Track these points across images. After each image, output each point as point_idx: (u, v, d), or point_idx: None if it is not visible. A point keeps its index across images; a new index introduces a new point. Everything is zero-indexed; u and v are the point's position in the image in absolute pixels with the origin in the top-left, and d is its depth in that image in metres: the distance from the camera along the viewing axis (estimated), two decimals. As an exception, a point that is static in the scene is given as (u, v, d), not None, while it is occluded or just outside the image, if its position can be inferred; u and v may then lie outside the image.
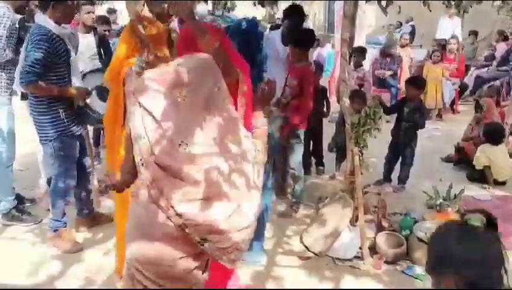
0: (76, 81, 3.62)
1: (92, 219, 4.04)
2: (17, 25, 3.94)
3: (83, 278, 3.32)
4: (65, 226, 3.75)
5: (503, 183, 5.15)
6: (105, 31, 5.52)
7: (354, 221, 3.69)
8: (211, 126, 1.82)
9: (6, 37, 3.78)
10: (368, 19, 9.95)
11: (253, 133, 2.08)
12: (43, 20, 3.34)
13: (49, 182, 4.50)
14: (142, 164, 1.83)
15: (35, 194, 4.62)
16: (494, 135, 5.24)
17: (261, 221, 3.51)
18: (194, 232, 1.81)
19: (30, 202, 4.48)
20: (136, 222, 1.93)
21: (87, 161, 3.94)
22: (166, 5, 3.04)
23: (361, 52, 6.32)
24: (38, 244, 3.78)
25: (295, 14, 4.46)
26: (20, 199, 4.32)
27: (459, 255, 1.36)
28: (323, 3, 16.96)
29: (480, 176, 5.16)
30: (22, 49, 3.43)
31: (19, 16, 4.00)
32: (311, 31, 4.64)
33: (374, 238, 3.69)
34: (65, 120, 3.48)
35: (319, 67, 6.05)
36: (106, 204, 4.33)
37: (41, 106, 3.43)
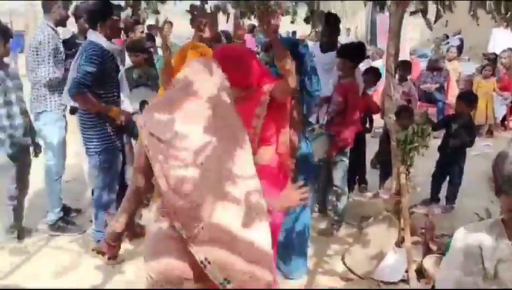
0: (124, 97, 3.70)
1: (134, 230, 4.07)
2: (59, 43, 4.08)
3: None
4: (107, 237, 3.80)
5: None
6: (150, 47, 5.65)
7: (399, 243, 3.55)
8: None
9: (52, 56, 3.92)
10: (411, 32, 9.75)
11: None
12: (95, 36, 3.46)
13: (92, 193, 4.62)
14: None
15: (82, 205, 4.72)
16: None
17: (303, 238, 3.45)
18: (215, 273, 1.73)
19: (76, 212, 4.59)
20: (155, 243, 1.89)
21: (128, 174, 4.00)
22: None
23: (406, 66, 6.15)
24: (82, 254, 3.85)
25: (329, 20, 4.36)
26: (66, 209, 4.42)
27: None
28: (364, 16, 16.79)
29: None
30: (72, 64, 3.53)
31: (61, 34, 4.15)
32: (362, 45, 4.54)
33: (421, 261, 3.54)
34: (111, 134, 3.56)
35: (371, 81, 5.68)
36: (147, 216, 4.36)
37: (90, 120, 3.53)
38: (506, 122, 7.93)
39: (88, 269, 3.62)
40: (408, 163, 3.44)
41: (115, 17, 3.50)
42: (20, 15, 17.00)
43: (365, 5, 4.07)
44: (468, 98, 4.92)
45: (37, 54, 3.90)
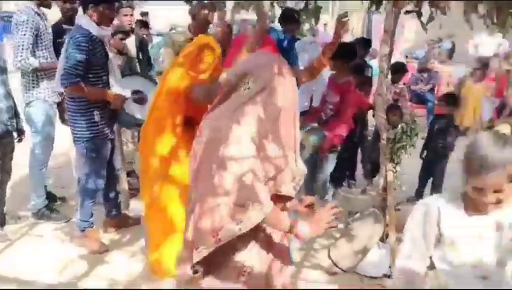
0: (114, 83, 3.65)
1: (120, 220, 4.06)
2: (48, 30, 4.01)
3: (108, 279, 3.32)
4: (92, 227, 3.77)
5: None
6: (143, 34, 5.58)
7: (384, 238, 3.57)
8: None
9: (34, 41, 3.84)
10: (406, 33, 9.75)
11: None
12: (84, 21, 3.38)
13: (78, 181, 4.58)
14: None
15: (67, 193, 4.68)
16: None
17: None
18: None
19: (61, 200, 4.55)
20: None
21: (118, 163, 3.97)
22: None
23: (400, 67, 6.15)
24: (66, 243, 3.81)
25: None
26: (51, 197, 4.39)
27: (500, 157, 1.58)
28: (362, 17, 16.83)
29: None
30: (62, 52, 3.48)
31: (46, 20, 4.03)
32: (352, 44, 4.55)
33: (405, 257, 3.56)
34: (99, 123, 3.51)
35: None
36: (135, 206, 4.35)
37: (77, 108, 3.46)
38: (493, 126, 8.00)
39: (71, 258, 3.58)
40: (396, 161, 3.46)
41: (109, 2, 3.43)
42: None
43: (367, 6, 4.06)
44: (449, 99, 4.94)
45: (16, 37, 3.80)
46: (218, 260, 1.87)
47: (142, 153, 3.24)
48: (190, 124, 3.17)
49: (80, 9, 3.75)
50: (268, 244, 1.97)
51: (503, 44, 9.54)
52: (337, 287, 3.36)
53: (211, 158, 1.80)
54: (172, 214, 3.12)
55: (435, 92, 7.80)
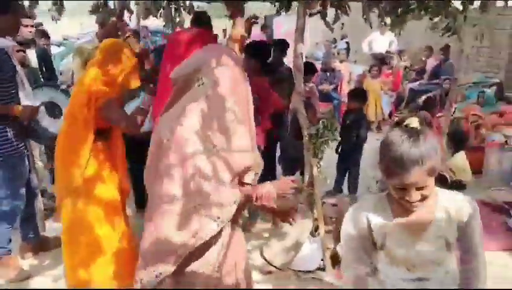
0: (24, 98, 3.39)
1: (39, 243, 3.78)
2: None
3: (35, 307, 3.09)
4: (10, 253, 3.48)
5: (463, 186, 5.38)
6: (44, 45, 5.27)
7: (314, 232, 3.72)
8: None
9: None
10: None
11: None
12: None
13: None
14: None
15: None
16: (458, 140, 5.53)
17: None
18: None
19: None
20: None
21: (35, 181, 3.70)
22: None
23: (310, 68, 6.42)
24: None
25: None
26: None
27: (416, 153, 1.52)
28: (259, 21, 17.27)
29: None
30: None
31: None
32: (266, 44, 4.65)
33: (334, 248, 3.73)
34: (13, 140, 3.25)
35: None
36: (52, 227, 4.08)
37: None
38: (392, 117, 8.65)
39: (-11, 289, 3.29)
40: (319, 156, 3.62)
41: (13, 13, 3.18)
42: None
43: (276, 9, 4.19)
44: (357, 93, 5.26)
45: None
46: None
47: (58, 170, 3.03)
48: (107, 136, 3.05)
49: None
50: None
51: (394, 42, 10.32)
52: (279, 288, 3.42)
53: (159, 164, 1.77)
54: (99, 235, 2.98)
55: (338, 90, 8.23)
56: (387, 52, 9.22)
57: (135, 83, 3.04)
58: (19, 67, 3.42)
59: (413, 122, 1.59)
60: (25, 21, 4.51)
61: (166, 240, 1.75)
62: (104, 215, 2.99)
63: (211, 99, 1.80)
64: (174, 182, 1.75)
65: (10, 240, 3.46)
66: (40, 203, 3.98)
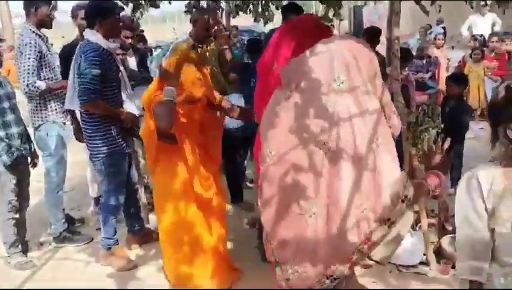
0: (124, 97, 3.60)
1: (143, 235, 3.99)
2: (50, 50, 3.94)
3: (142, 295, 3.26)
4: (117, 244, 3.71)
5: None
6: (144, 47, 5.54)
7: (415, 226, 3.53)
8: None
9: (37, 63, 3.73)
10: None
11: None
12: (93, 36, 3.33)
13: (96, 201, 4.52)
14: None
15: (84, 214, 4.62)
16: None
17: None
18: None
19: (80, 222, 4.48)
20: None
21: (135, 177, 3.91)
22: None
23: (405, 53, 6.10)
24: (92, 263, 3.75)
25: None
26: (69, 220, 4.31)
27: None
28: (347, 11, 16.86)
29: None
30: (72, 67, 3.42)
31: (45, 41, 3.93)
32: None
33: (438, 242, 3.52)
34: (116, 137, 3.46)
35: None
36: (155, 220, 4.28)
37: (94, 122, 3.40)
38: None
39: (100, 278, 3.51)
40: (419, 146, 3.42)
41: (115, 16, 3.39)
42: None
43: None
44: (457, 78, 4.88)
45: (20, 62, 3.71)
46: None
47: (153, 170, 3.22)
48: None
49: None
50: None
51: (497, 22, 9.54)
52: (373, 279, 3.29)
53: None
54: (200, 234, 3.15)
55: (436, 78, 7.76)
56: (493, 33, 8.52)
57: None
58: (121, 68, 3.62)
59: None
60: (126, 33, 4.75)
61: None
62: (202, 216, 3.15)
63: None
64: None
65: (116, 232, 3.68)
66: (143, 197, 4.21)
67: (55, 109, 3.94)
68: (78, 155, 4.85)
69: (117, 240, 3.71)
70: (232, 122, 3.93)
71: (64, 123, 4.01)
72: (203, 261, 3.19)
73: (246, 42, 7.18)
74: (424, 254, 3.40)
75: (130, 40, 4.89)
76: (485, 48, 7.88)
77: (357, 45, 1.93)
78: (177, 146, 3.04)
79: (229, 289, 3.20)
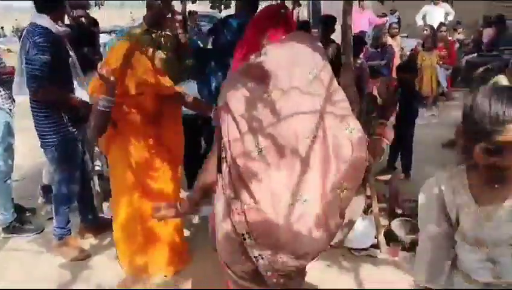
0: (76, 84, 3.50)
1: (97, 224, 3.92)
2: None
3: (95, 285, 3.22)
4: (70, 234, 3.64)
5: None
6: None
7: (366, 210, 3.64)
8: None
9: None
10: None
11: None
12: (41, 20, 3.20)
13: (45, 189, 4.39)
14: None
15: (36, 204, 4.49)
16: None
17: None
18: (253, 246, 1.79)
19: (30, 211, 4.35)
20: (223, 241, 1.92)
21: (89, 165, 3.83)
22: None
23: (358, 40, 6.20)
24: (44, 254, 3.66)
25: None
26: (19, 209, 4.18)
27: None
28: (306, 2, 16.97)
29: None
30: (19, 52, 3.28)
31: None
32: None
33: (388, 226, 3.64)
34: (68, 124, 3.36)
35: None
36: (108, 209, 4.23)
37: (44, 110, 3.29)
38: (447, 92, 8.28)
39: (53, 268, 3.44)
40: (370, 132, 3.51)
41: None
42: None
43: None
44: (406, 67, 5.01)
45: None
46: None
47: (110, 159, 3.18)
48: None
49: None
50: None
51: (451, 13, 9.83)
52: (327, 263, 3.38)
53: None
54: (154, 225, 3.11)
55: (390, 66, 7.93)
56: (442, 23, 8.78)
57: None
58: (72, 53, 3.51)
59: (502, 80, 1.48)
60: (79, 12, 4.60)
61: None
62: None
63: None
64: None
65: (69, 221, 3.61)
66: (97, 186, 4.13)
67: (1, 96, 3.79)
68: (29, 143, 4.70)
69: (70, 230, 3.63)
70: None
71: (11, 110, 3.86)
72: (157, 251, 3.19)
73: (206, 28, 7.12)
74: (375, 237, 3.51)
75: (83, 19, 4.75)
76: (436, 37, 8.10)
77: (298, 45, 1.93)
78: (127, 139, 2.99)
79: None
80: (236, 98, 1.85)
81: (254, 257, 1.80)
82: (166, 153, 3.16)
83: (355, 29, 9.22)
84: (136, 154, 3.01)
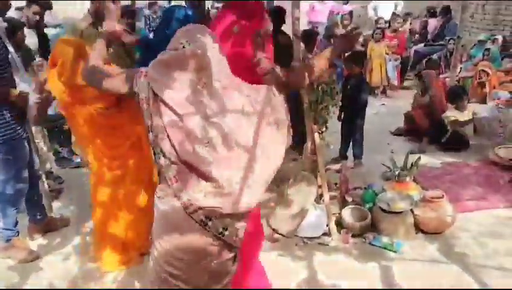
0: (20, 80, 3.36)
1: (46, 224, 3.81)
2: None
3: (47, 285, 3.15)
4: (18, 235, 3.52)
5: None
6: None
7: (318, 199, 3.71)
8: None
9: None
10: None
11: None
12: None
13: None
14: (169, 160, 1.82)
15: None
16: (457, 96, 5.51)
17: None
18: (215, 225, 1.83)
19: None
20: (162, 222, 1.91)
21: (37, 163, 3.71)
22: None
23: (311, 34, 6.28)
24: (-10, 256, 3.53)
25: None
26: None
27: None
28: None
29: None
30: None
31: None
32: None
33: (339, 214, 3.74)
34: (10, 122, 3.23)
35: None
36: (57, 207, 4.15)
37: (-18, 108, 3.15)
38: (397, 81, 8.51)
39: (1, 271, 3.33)
40: (320, 123, 3.57)
41: None
42: None
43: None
44: (354, 57, 5.10)
45: None
46: None
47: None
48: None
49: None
50: None
51: (400, 4, 10.10)
52: (279, 252, 3.43)
53: None
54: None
55: (342, 57, 8.07)
56: (395, 14, 9.03)
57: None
58: (11, 49, 3.38)
59: None
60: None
61: None
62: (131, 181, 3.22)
63: None
64: None
65: (17, 223, 3.49)
66: (45, 184, 4.01)
67: None
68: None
69: (18, 232, 3.51)
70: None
71: None
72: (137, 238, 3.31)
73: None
74: (327, 225, 3.60)
75: (37, 18, 4.59)
76: (386, 28, 8.31)
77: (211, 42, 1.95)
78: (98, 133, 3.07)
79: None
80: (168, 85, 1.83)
81: (219, 233, 1.85)
82: (136, 142, 3.20)
83: (317, 20, 9.42)
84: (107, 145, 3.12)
